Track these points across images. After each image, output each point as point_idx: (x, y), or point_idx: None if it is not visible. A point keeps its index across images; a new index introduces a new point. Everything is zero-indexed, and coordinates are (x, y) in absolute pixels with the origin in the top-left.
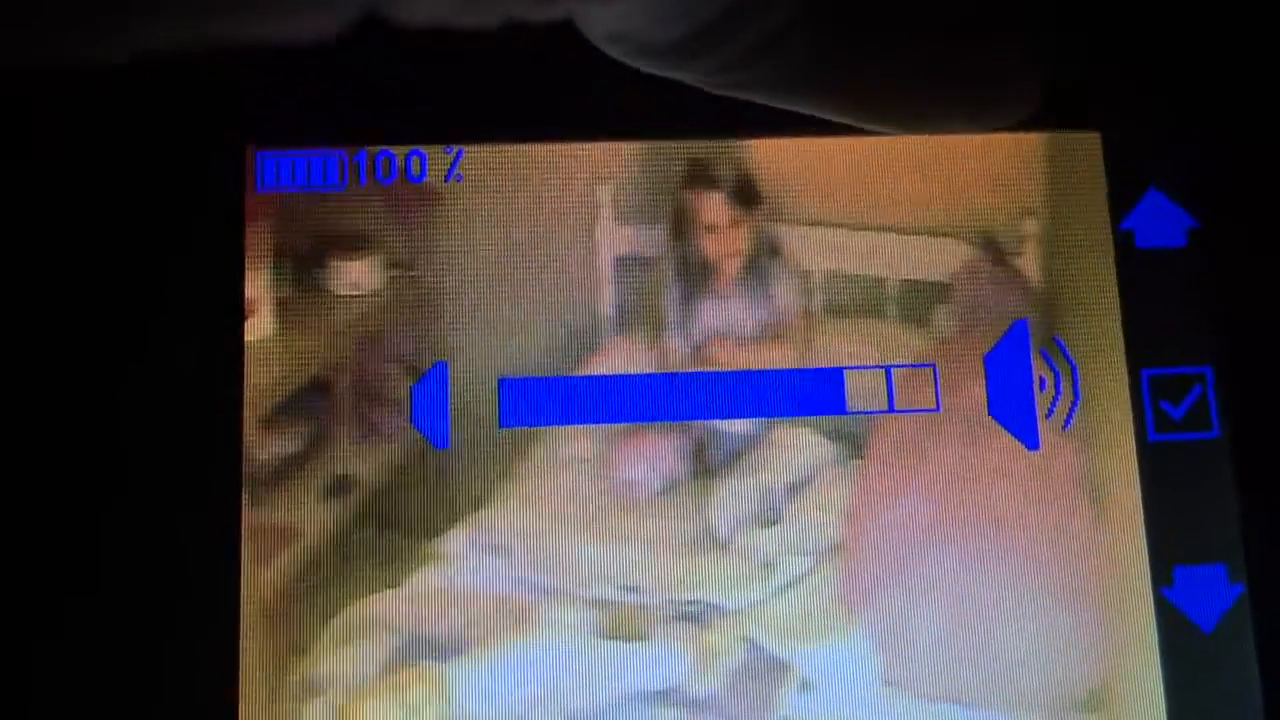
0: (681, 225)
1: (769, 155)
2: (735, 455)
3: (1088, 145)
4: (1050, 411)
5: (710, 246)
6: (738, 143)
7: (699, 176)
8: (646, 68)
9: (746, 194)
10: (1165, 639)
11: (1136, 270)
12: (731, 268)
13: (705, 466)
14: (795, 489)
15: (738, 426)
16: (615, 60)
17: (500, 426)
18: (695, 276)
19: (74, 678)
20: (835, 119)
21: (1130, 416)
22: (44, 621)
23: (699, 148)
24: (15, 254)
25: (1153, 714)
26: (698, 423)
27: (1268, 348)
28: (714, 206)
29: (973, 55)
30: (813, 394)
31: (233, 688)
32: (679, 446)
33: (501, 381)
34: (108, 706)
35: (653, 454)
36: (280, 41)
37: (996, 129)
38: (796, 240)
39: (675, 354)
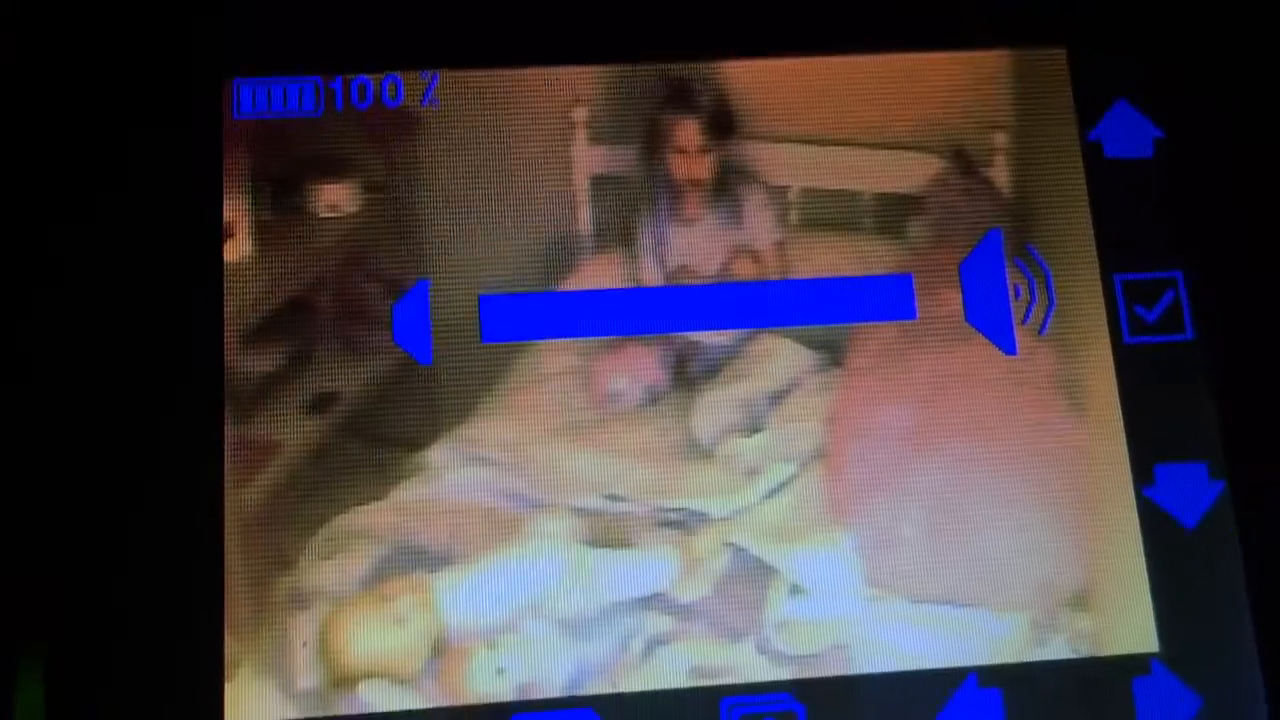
0: (654, 146)
1: (742, 76)
2: (716, 366)
3: (1054, 60)
4: (1026, 317)
5: (679, 169)
6: (711, 65)
7: (673, 99)
8: None
9: (720, 120)
10: (1149, 537)
11: (1105, 179)
12: (699, 189)
13: (687, 377)
14: (777, 398)
15: (718, 338)
16: None
17: (482, 342)
18: (668, 198)
19: (63, 595)
20: None
21: (1105, 321)
22: (36, 544)
23: (673, 70)
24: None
25: (1139, 611)
26: (678, 335)
27: (1237, 251)
28: (686, 131)
29: None
30: (792, 304)
31: (218, 602)
32: (660, 358)
33: (482, 298)
34: (95, 624)
35: (634, 366)
36: None
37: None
38: (770, 158)
39: (651, 272)
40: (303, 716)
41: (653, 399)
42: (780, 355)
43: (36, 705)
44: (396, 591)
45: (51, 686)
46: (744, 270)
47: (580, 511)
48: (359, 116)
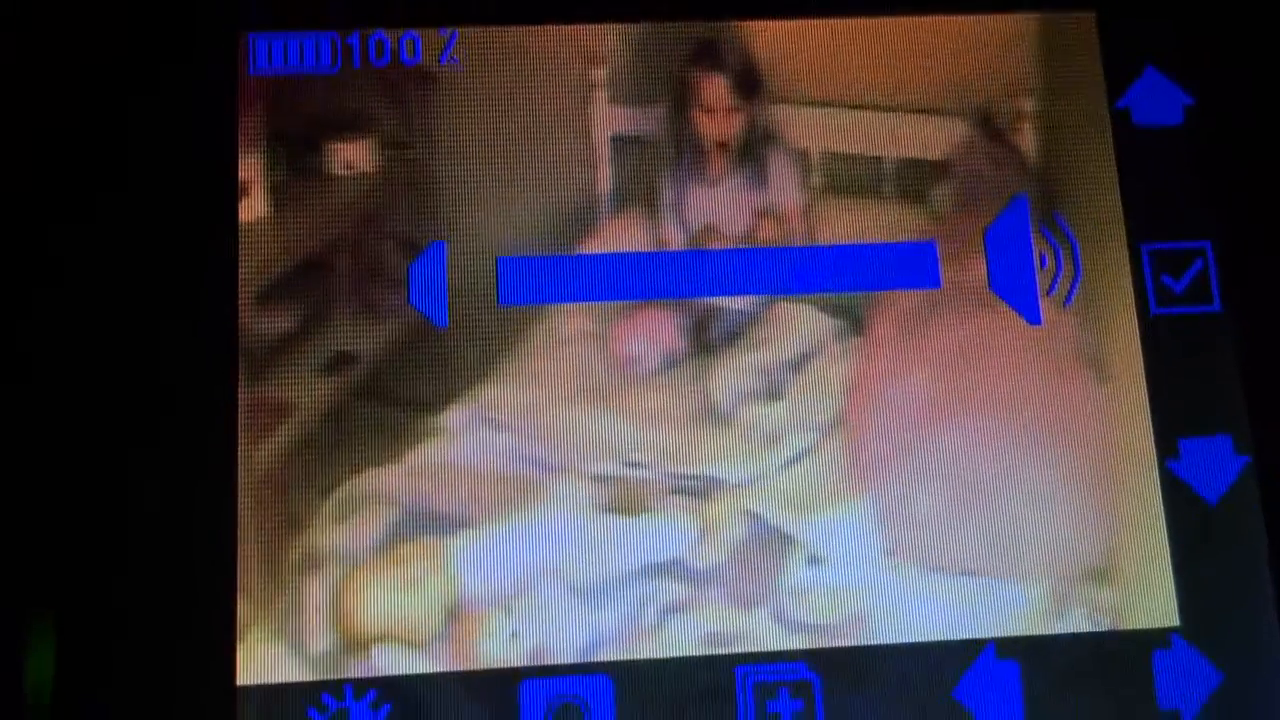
0: (679, 105)
1: (768, 37)
2: (736, 331)
3: (1083, 25)
4: (1052, 287)
5: (706, 128)
6: (736, 23)
7: (700, 56)
8: None
9: (747, 79)
10: (1171, 510)
11: (1134, 147)
12: (725, 150)
13: (706, 342)
14: (797, 365)
15: (738, 303)
16: None
17: (499, 304)
18: (692, 157)
19: (74, 557)
20: None
21: (1131, 291)
22: (47, 505)
23: (696, 29)
24: (10, 139)
25: (1160, 585)
26: (698, 299)
27: (1267, 222)
28: (714, 89)
29: None
30: (814, 271)
31: (230, 564)
32: (679, 323)
33: (499, 261)
34: (106, 586)
35: (653, 330)
36: None
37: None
38: (794, 120)
39: (672, 232)
40: (315, 679)
41: (671, 364)
42: (801, 322)
43: (47, 667)
44: (410, 555)
45: (62, 648)
46: (768, 234)
47: (597, 477)
48: (376, 74)
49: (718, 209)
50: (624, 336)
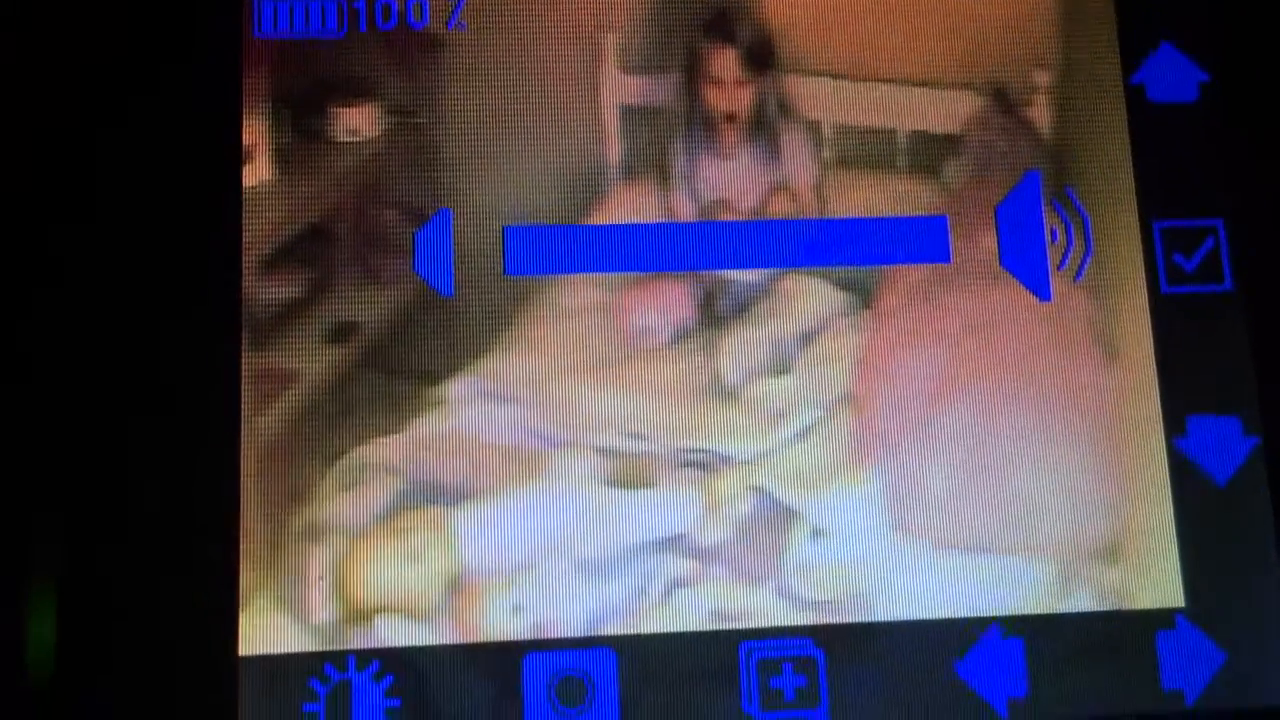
0: (689, 76)
1: (779, 6)
2: (745, 304)
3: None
4: (1062, 263)
5: (715, 100)
6: None
7: (710, 27)
8: None
9: (758, 50)
10: (1178, 490)
11: (1148, 123)
12: (735, 122)
13: (715, 315)
14: (806, 339)
15: (748, 276)
16: None
17: (505, 274)
18: (703, 129)
19: (75, 526)
20: None
21: (1142, 268)
22: (48, 473)
23: None
24: (16, 101)
25: (1166, 565)
26: (708, 272)
27: (1279, 202)
28: (723, 60)
29: None
30: (824, 244)
31: (233, 533)
32: (689, 294)
33: (506, 230)
34: (108, 555)
35: (662, 301)
36: None
37: None
38: (806, 92)
39: (682, 204)
40: (317, 649)
41: (680, 336)
42: (810, 295)
43: (49, 636)
44: (414, 526)
45: (64, 618)
46: (780, 208)
47: (602, 450)
48: (383, 38)
49: (729, 182)
50: (633, 308)
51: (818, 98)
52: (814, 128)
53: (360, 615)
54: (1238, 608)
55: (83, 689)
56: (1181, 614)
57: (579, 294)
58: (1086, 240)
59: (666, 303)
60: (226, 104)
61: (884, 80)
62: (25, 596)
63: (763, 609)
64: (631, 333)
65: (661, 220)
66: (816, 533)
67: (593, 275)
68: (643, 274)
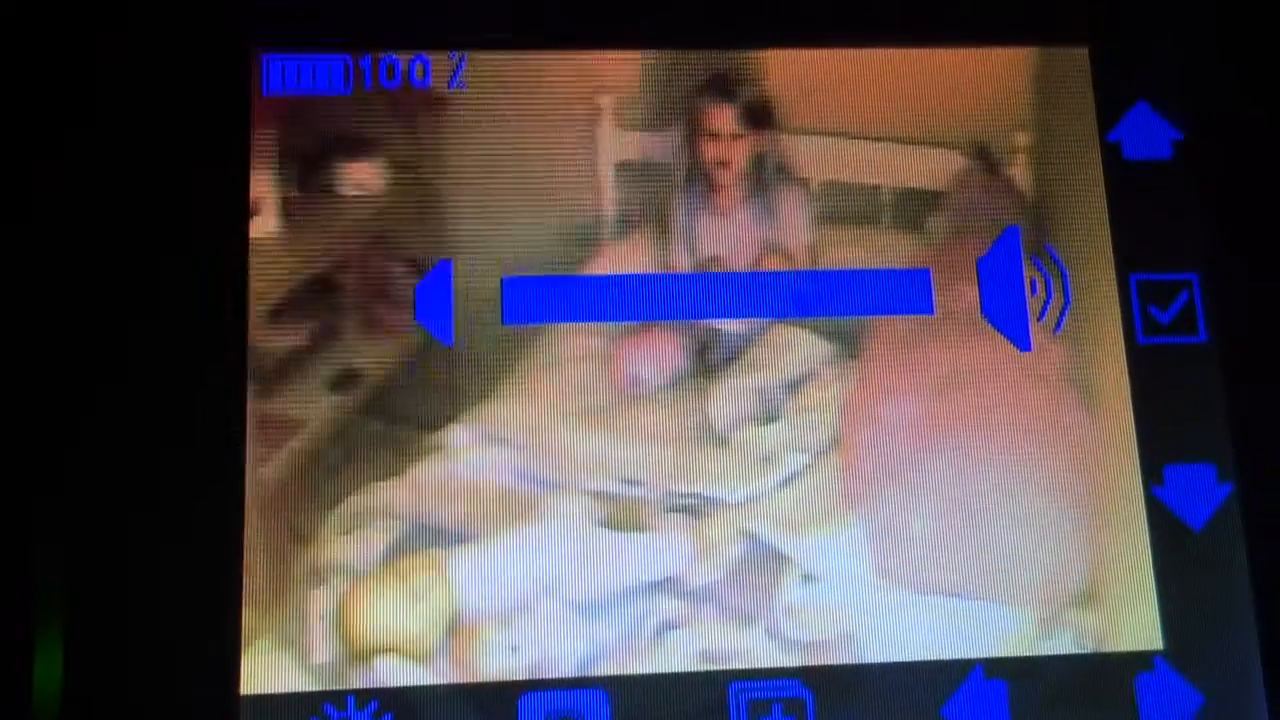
0: (685, 133)
1: (768, 66)
2: (734, 353)
3: (1076, 59)
4: (1042, 314)
5: (710, 156)
6: (737, 53)
7: (704, 86)
8: None
9: (754, 110)
10: (1156, 536)
11: (1124, 180)
12: (728, 171)
13: (706, 364)
14: (793, 387)
15: (737, 326)
16: None
17: (504, 323)
18: (699, 186)
19: (82, 566)
20: None
21: (1119, 320)
22: (56, 515)
23: (703, 58)
24: (26, 154)
25: (1144, 609)
26: (700, 322)
27: (1252, 255)
28: (719, 117)
29: None
30: (811, 296)
31: (236, 575)
32: (682, 344)
33: (505, 280)
34: (113, 594)
35: (656, 351)
36: None
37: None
38: (795, 150)
39: (678, 260)
40: (317, 689)
41: (673, 383)
42: (798, 345)
43: (55, 674)
44: (413, 569)
45: (70, 656)
46: (773, 264)
47: (596, 494)
48: (387, 96)
49: (723, 240)
50: (628, 357)
51: (805, 155)
52: (802, 184)
53: (360, 656)
54: (1214, 650)
55: None
56: (1160, 656)
57: (574, 342)
58: (1065, 293)
59: (660, 352)
60: (235, 159)
61: (870, 139)
62: (31, 637)
63: (753, 650)
64: (627, 380)
65: (655, 270)
66: (805, 575)
67: (588, 324)
68: (637, 324)
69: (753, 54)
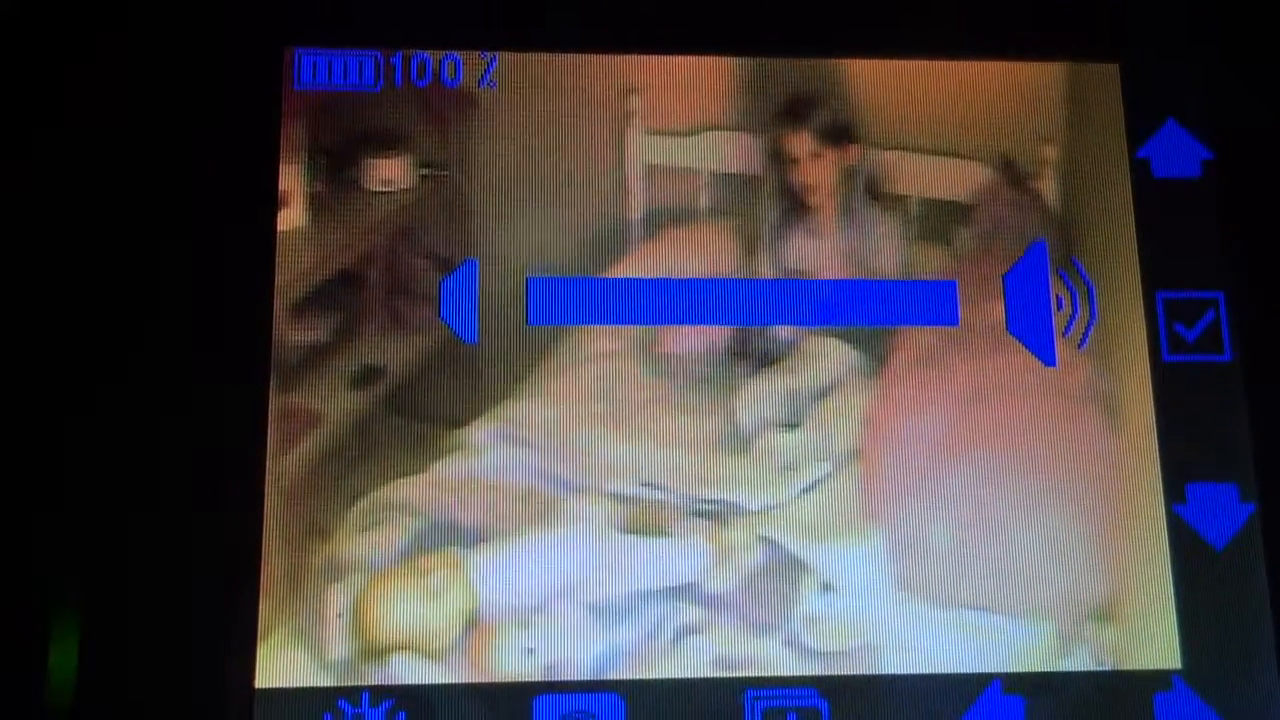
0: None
1: (801, 74)
2: (770, 354)
3: (1107, 76)
4: (1067, 329)
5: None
6: (767, 60)
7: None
8: None
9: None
10: (1177, 554)
11: (1152, 198)
12: (819, 192)
13: (746, 350)
14: (818, 395)
15: (778, 331)
16: None
17: (528, 323)
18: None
19: (98, 556)
20: None
21: (1145, 337)
22: (73, 505)
23: (730, 64)
24: (59, 149)
25: (1163, 627)
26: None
27: (1278, 276)
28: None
29: None
30: (837, 305)
31: (254, 567)
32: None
33: (530, 280)
34: (129, 585)
35: (700, 331)
36: None
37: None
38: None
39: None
40: (333, 684)
41: (712, 360)
42: (825, 353)
43: (69, 665)
44: (431, 566)
45: (85, 647)
46: (803, 265)
47: (616, 497)
48: (417, 94)
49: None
50: (672, 333)
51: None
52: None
53: (376, 652)
54: (1233, 671)
55: (102, 717)
56: (1179, 675)
57: (598, 344)
58: (1091, 308)
59: (704, 331)
60: (265, 152)
61: (898, 149)
62: (47, 628)
63: (770, 658)
64: (668, 340)
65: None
66: (824, 585)
67: (612, 326)
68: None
69: (777, 60)
